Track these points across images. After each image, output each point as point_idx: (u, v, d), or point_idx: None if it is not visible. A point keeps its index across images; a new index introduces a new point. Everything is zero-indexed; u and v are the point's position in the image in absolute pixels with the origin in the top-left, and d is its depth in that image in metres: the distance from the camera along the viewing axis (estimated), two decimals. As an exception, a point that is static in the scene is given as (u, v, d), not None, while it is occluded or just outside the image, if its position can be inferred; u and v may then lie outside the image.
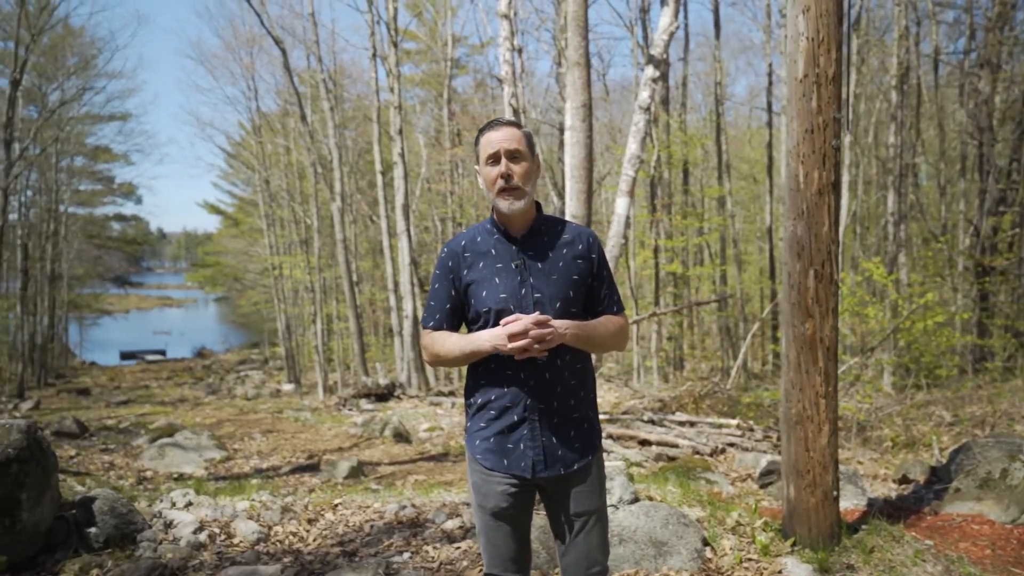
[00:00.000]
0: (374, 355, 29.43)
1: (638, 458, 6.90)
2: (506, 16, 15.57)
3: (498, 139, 2.15)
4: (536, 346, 2.04)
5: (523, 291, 2.15)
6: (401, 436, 10.11)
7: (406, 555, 3.92)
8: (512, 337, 2.04)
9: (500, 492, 2.19)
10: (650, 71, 13.80)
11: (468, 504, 4.80)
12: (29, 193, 29.50)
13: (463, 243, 2.25)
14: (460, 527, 4.33)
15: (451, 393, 17.42)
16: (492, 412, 2.17)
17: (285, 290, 30.74)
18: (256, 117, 29.53)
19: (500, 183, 2.14)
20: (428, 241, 29.35)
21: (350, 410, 14.63)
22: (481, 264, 2.19)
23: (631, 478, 4.18)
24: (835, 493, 3.75)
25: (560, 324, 2.08)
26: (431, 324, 2.27)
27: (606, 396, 13.52)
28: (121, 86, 57.09)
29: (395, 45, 19.62)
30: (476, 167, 2.24)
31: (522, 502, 2.23)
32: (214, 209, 44.06)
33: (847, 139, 15.21)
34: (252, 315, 41.84)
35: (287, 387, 25.82)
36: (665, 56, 14.57)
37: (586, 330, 2.14)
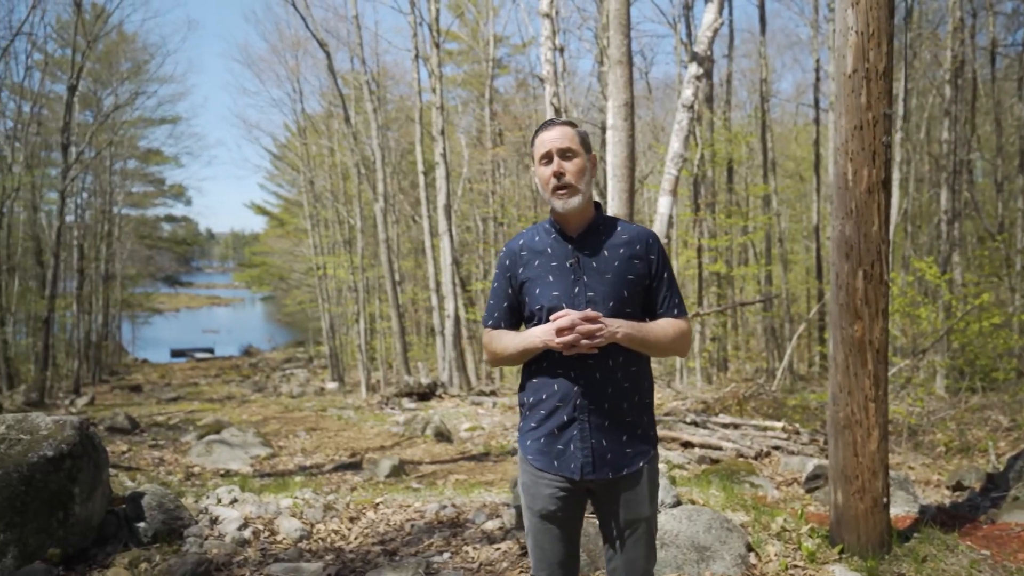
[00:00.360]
0: (416, 354, 29.67)
1: (680, 460, 6.81)
2: (547, 15, 15.53)
3: (550, 138, 2.16)
4: (584, 342, 2.01)
5: (576, 289, 2.13)
6: (442, 435, 10.15)
7: (446, 555, 3.92)
8: (560, 332, 2.03)
9: (549, 494, 2.17)
10: (693, 68, 13.63)
11: (508, 505, 4.79)
12: (85, 195, 30.43)
13: (521, 242, 2.27)
14: (500, 528, 4.32)
15: (492, 393, 17.45)
16: (542, 411, 2.16)
17: (329, 289, 31.16)
18: (301, 119, 30.00)
19: (553, 182, 2.14)
20: (470, 241, 29.47)
21: (392, 409, 14.76)
22: (536, 263, 2.19)
23: (673, 481, 4.13)
24: (885, 500, 3.64)
25: (612, 323, 2.05)
26: (490, 323, 2.30)
27: (648, 397, 13.40)
28: (172, 90, 58.47)
29: (437, 46, 19.72)
30: (533, 168, 2.25)
31: (571, 505, 2.19)
32: (260, 210, 44.92)
33: (898, 135, 14.81)
34: (297, 314, 42.53)
35: (331, 385, 26.17)
36: (709, 53, 14.39)
37: (641, 331, 2.10)
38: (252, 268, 50.88)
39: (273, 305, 58.95)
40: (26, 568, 3.08)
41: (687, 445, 7.47)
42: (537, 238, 2.25)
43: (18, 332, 26.27)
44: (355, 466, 8.25)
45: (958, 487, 5.44)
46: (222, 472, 8.21)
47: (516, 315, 2.28)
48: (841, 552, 3.63)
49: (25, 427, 3.58)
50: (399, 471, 7.56)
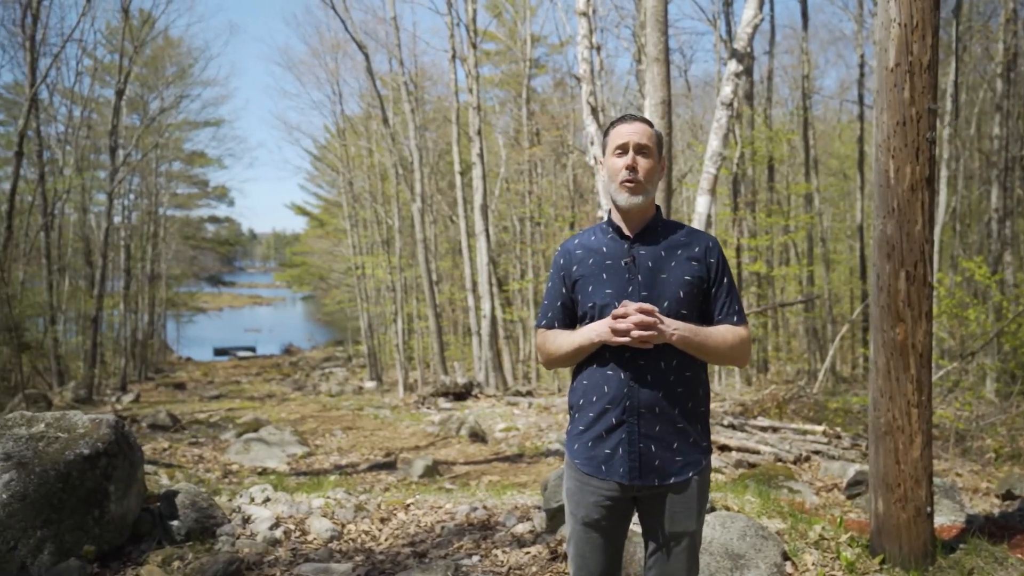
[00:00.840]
0: (453, 354, 29.76)
1: (717, 464, 6.68)
2: (584, 14, 15.43)
3: (629, 131, 2.13)
4: (636, 333, 1.96)
5: (630, 288, 2.09)
6: (477, 436, 10.15)
7: (475, 558, 3.89)
8: (615, 319, 1.99)
9: (593, 502, 2.11)
10: (733, 66, 13.42)
11: (540, 507, 4.75)
12: (132, 197, 31.21)
13: (576, 240, 2.25)
14: (531, 531, 4.28)
15: (528, 393, 17.41)
16: (591, 414, 2.11)
17: (367, 289, 31.45)
18: (340, 121, 30.34)
19: (624, 174, 2.10)
20: (507, 241, 29.47)
21: (428, 408, 14.81)
22: (591, 261, 2.16)
23: (725, 485, 4.03)
24: (929, 509, 3.51)
25: (669, 323, 2.01)
26: (543, 323, 2.27)
27: (686, 399, 13.22)
28: (215, 93, 59.71)
29: (474, 46, 19.75)
30: (600, 160, 2.21)
31: (616, 515, 2.13)
32: (300, 210, 45.56)
33: (946, 131, 14.38)
34: (337, 313, 43.03)
35: (369, 384, 26.41)
36: (749, 50, 14.16)
37: (699, 335, 2.04)
38: (293, 268, 51.68)
39: (313, 304, 59.80)
40: (62, 565, 3.13)
41: (724, 448, 7.34)
42: (593, 237, 2.22)
43: (68, 330, 27.03)
44: (389, 466, 8.28)
45: (1008, 496, 5.24)
46: (259, 470, 8.31)
47: (571, 315, 2.24)
48: (882, 563, 3.51)
49: (63, 425, 3.65)
50: (433, 471, 7.56)
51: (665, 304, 2.06)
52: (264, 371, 32.82)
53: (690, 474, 2.08)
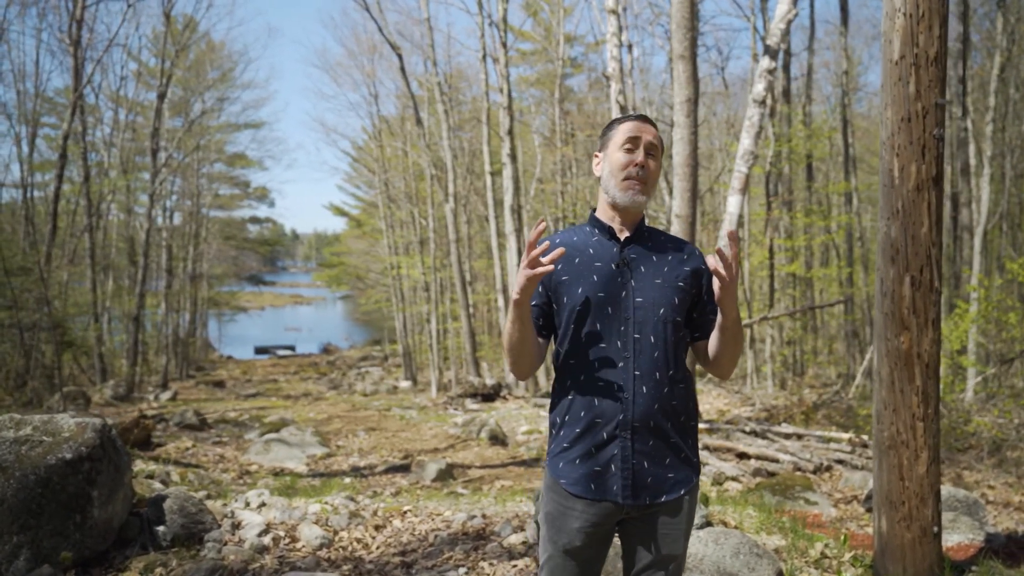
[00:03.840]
0: (487, 354, 29.75)
1: (734, 472, 6.47)
2: (614, 11, 15.25)
3: (642, 128, 2.01)
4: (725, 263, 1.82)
5: (623, 293, 1.94)
6: (496, 439, 10.05)
7: (461, 570, 3.79)
8: (530, 247, 1.80)
9: (577, 528, 1.94)
10: (766, 62, 13.09)
11: (531, 517, 4.63)
12: (174, 198, 31.86)
13: (557, 240, 2.07)
14: (523, 542, 4.16)
15: (557, 395, 17.24)
16: (577, 429, 1.93)
17: (403, 289, 31.62)
18: (376, 122, 30.56)
19: (632, 170, 1.97)
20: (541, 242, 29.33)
21: (455, 409, 14.78)
22: (576, 260, 1.99)
23: (705, 500, 3.87)
24: (936, 528, 3.30)
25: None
26: None
27: (714, 403, 12.95)
28: (255, 96, 60.81)
29: (504, 46, 19.66)
30: (599, 153, 2.07)
31: (598, 540, 1.97)
32: (338, 211, 46.03)
33: (988, 127, 13.82)
34: (374, 313, 43.37)
35: (404, 384, 26.53)
36: (783, 46, 13.81)
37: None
38: (331, 268, 52.23)
39: (351, 304, 60.40)
40: (35, 572, 3.12)
41: (742, 456, 7.11)
42: (576, 238, 2.05)
43: (113, 329, 27.72)
44: (405, 468, 8.24)
45: (1036, 513, 4.96)
46: (277, 471, 8.34)
47: (546, 318, 2.04)
48: (885, 585, 3.31)
49: (49, 429, 3.65)
50: (446, 475, 7.49)
51: (660, 311, 1.92)
52: (302, 370, 33.22)
53: (681, 492, 1.93)
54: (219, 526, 4.13)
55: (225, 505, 4.52)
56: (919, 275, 3.22)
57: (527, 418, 12.91)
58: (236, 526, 4.19)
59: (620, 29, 15.33)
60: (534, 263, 1.82)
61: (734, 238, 1.80)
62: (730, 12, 58.06)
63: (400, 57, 22.24)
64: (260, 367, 34.64)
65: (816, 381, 18.74)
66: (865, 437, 7.89)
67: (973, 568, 3.42)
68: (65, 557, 3.32)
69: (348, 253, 45.50)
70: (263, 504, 4.60)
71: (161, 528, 3.84)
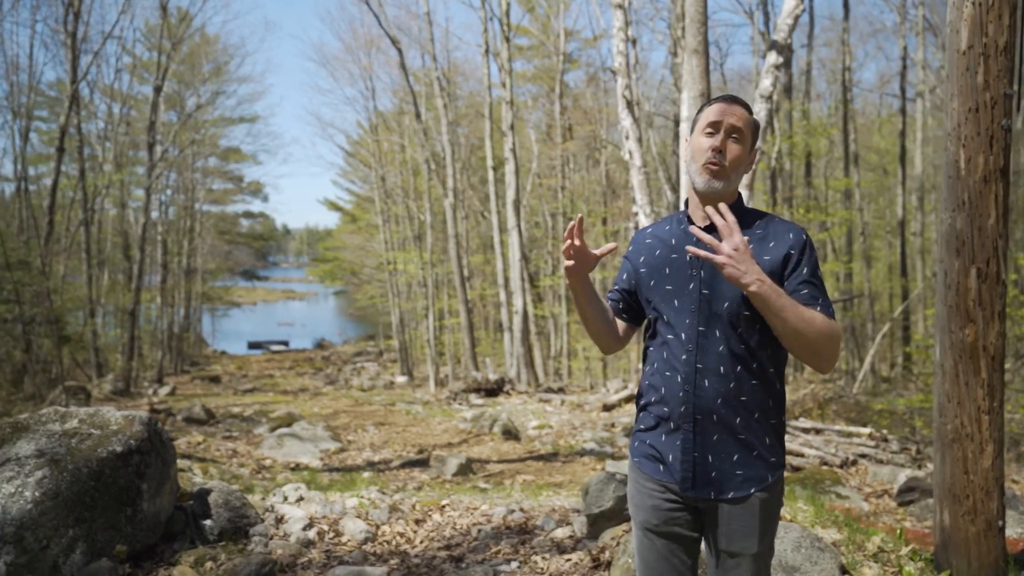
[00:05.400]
0: (484, 349, 29.72)
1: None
2: (620, 6, 15.19)
3: (726, 111, 1.92)
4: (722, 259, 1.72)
5: (691, 285, 1.91)
6: (510, 433, 10.02)
7: (514, 564, 3.75)
8: (566, 238, 1.91)
9: (651, 506, 1.95)
10: (772, 58, 13.08)
11: (579, 512, 4.60)
12: (169, 192, 31.61)
13: (649, 230, 2.10)
14: (570, 536, 4.13)
15: (560, 390, 17.25)
16: (653, 413, 1.96)
17: (399, 284, 31.51)
18: (373, 116, 30.41)
19: (709, 155, 1.90)
20: (538, 236, 29.28)
21: (460, 404, 14.73)
22: (657, 252, 2.00)
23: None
24: (1000, 522, 3.28)
25: (752, 269, 1.72)
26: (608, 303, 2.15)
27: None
28: (250, 90, 60.41)
29: (507, 41, 19.60)
30: (687, 138, 2.02)
31: (678, 523, 1.95)
32: (333, 206, 45.85)
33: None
34: (368, 308, 43.24)
35: (400, 379, 26.44)
36: (789, 42, 13.81)
37: (783, 298, 1.75)
38: (325, 263, 52.05)
39: (345, 299, 60.19)
40: (93, 565, 3.05)
41: (766, 451, 7.10)
42: (667, 227, 2.05)
43: (107, 324, 27.49)
44: (422, 463, 8.19)
45: (1076, 507, 4.97)
46: (292, 466, 8.28)
47: (629, 305, 2.10)
48: (948, 579, 3.30)
49: (96, 422, 3.58)
50: (466, 469, 7.45)
51: (725, 305, 1.87)
52: (297, 365, 33.08)
53: (751, 490, 1.87)
54: (262, 520, 4.08)
55: (263, 499, 4.46)
56: (985, 267, 3.20)
57: (534, 413, 12.88)
58: (279, 520, 4.13)
59: (626, 23, 15.30)
60: (567, 254, 1.91)
61: (716, 211, 1.76)
62: (729, 8, 58.16)
63: (400, 51, 22.13)
64: (255, 362, 34.47)
65: (815, 377, 18.80)
66: (885, 432, 7.90)
67: (1033, 561, 3.41)
68: (120, 551, 3.26)
69: (342, 248, 45.33)
70: (301, 498, 4.55)
71: (208, 522, 3.78)
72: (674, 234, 2.01)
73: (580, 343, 26.23)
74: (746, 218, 1.96)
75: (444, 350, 28.81)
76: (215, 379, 25.62)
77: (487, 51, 20.13)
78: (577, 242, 1.91)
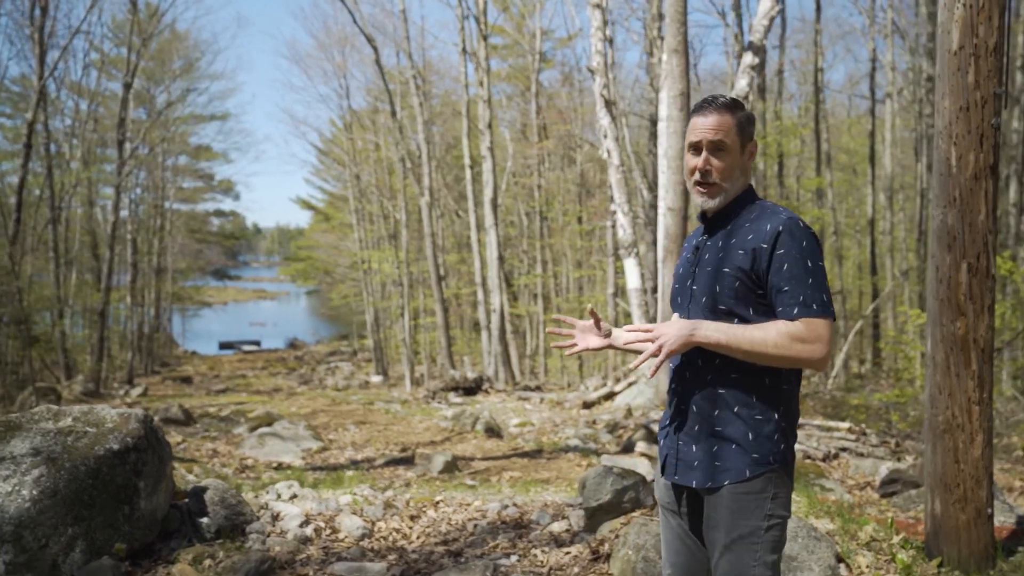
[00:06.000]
0: (459, 348, 29.66)
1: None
2: (598, 5, 15.27)
3: (703, 126, 1.92)
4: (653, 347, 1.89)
5: (688, 282, 2.02)
6: (492, 431, 10.03)
7: (513, 558, 3.77)
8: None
9: (664, 484, 2.07)
10: (748, 58, 13.25)
11: (573, 505, 4.63)
12: (138, 191, 31.11)
13: (695, 231, 2.19)
14: (567, 530, 4.16)
15: (538, 388, 17.30)
16: (667, 408, 2.10)
17: (374, 283, 31.35)
18: (347, 114, 30.20)
19: (696, 176, 1.94)
20: (513, 235, 29.31)
21: (439, 403, 14.70)
22: (686, 254, 2.12)
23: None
24: (989, 510, 3.38)
25: (666, 330, 1.86)
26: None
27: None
28: (222, 87, 59.66)
29: (484, 39, 19.60)
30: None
31: (682, 504, 2.04)
32: (306, 204, 45.44)
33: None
34: (341, 308, 42.93)
35: (375, 379, 26.32)
36: (764, 42, 13.97)
37: (728, 335, 1.82)
38: (298, 262, 51.58)
39: (317, 299, 59.71)
40: (94, 563, 3.01)
41: (750, 445, 7.20)
42: (696, 231, 2.16)
43: (75, 324, 26.97)
44: (407, 461, 8.16)
45: (1052, 496, 5.12)
46: (274, 465, 8.21)
47: None
48: (940, 566, 3.38)
49: (91, 419, 3.53)
50: (452, 467, 7.44)
51: (703, 300, 1.93)
52: (269, 365, 32.74)
53: (724, 482, 1.88)
54: (258, 518, 4.05)
55: (257, 496, 4.43)
56: (976, 262, 3.29)
57: (514, 411, 12.90)
58: (275, 517, 4.11)
59: (604, 23, 15.38)
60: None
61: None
62: (702, 9, 58.73)
63: (375, 49, 22.00)
64: (226, 362, 34.04)
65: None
66: (863, 426, 8.06)
67: (1020, 548, 3.51)
68: (119, 549, 3.22)
69: (315, 247, 44.95)
70: (294, 495, 4.52)
71: (205, 520, 3.75)
72: (696, 236, 2.09)
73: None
74: (745, 212, 1.96)
75: (419, 349, 28.72)
76: (187, 380, 25.27)
77: (464, 49, 20.10)
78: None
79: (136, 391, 18.21)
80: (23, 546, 2.96)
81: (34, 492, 3.06)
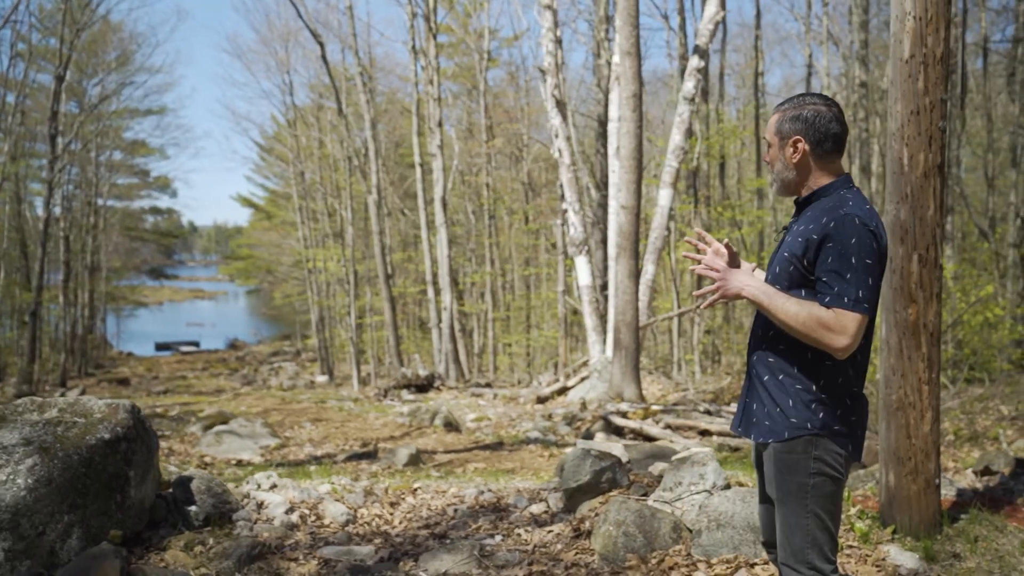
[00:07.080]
0: (407, 347, 29.56)
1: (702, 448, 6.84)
2: (549, 7, 15.49)
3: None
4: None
5: (773, 257, 2.24)
6: (451, 425, 10.15)
7: (497, 538, 3.92)
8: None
9: (752, 445, 2.33)
10: (695, 61, 13.68)
11: (546, 490, 4.80)
12: (70, 187, 30.02)
13: None
14: (545, 511, 4.33)
15: (488, 385, 17.48)
16: None
17: (319, 282, 30.97)
18: (291, 111, 29.77)
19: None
20: (459, 234, 29.36)
21: (392, 400, 14.72)
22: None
23: (723, 464, 4.15)
24: (937, 481, 3.69)
25: (738, 279, 2.13)
26: None
27: (649, 388, 13.46)
28: (159, 81, 57.77)
29: (434, 37, 19.63)
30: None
31: (760, 459, 2.28)
32: (247, 202, 44.54)
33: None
34: (284, 307, 42.25)
35: (320, 379, 26.05)
36: (709, 46, 14.41)
37: (768, 297, 2.05)
38: (238, 261, 50.51)
39: (258, 299, 58.55)
40: (95, 549, 3.04)
41: (704, 433, 7.52)
42: None
43: (3, 325, 25.91)
44: (369, 455, 8.21)
45: (987, 472, 5.52)
46: (234, 462, 8.15)
47: None
48: (894, 532, 3.67)
49: (78, 410, 3.54)
50: (417, 460, 7.53)
51: (769, 276, 2.19)
52: (210, 366, 32.03)
53: (770, 440, 2.12)
54: (243, 506, 4.10)
55: (239, 487, 4.46)
56: (925, 253, 3.59)
57: (469, 407, 13.03)
58: (260, 505, 4.16)
59: (556, 24, 15.62)
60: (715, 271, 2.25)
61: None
62: (645, 12, 59.72)
63: (322, 45, 21.82)
64: (165, 364, 33.15)
65: (731, 368, 19.70)
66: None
67: (963, 516, 3.84)
68: (115, 535, 3.24)
69: (256, 246, 44.09)
70: (274, 485, 4.57)
71: (193, 508, 3.78)
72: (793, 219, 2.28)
73: (503, 340, 26.52)
74: (817, 204, 2.12)
75: (366, 348, 28.54)
76: (124, 381, 24.54)
77: (413, 48, 20.10)
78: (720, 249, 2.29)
79: (73, 393, 17.64)
80: (21, 533, 2.97)
81: (29, 480, 3.07)
